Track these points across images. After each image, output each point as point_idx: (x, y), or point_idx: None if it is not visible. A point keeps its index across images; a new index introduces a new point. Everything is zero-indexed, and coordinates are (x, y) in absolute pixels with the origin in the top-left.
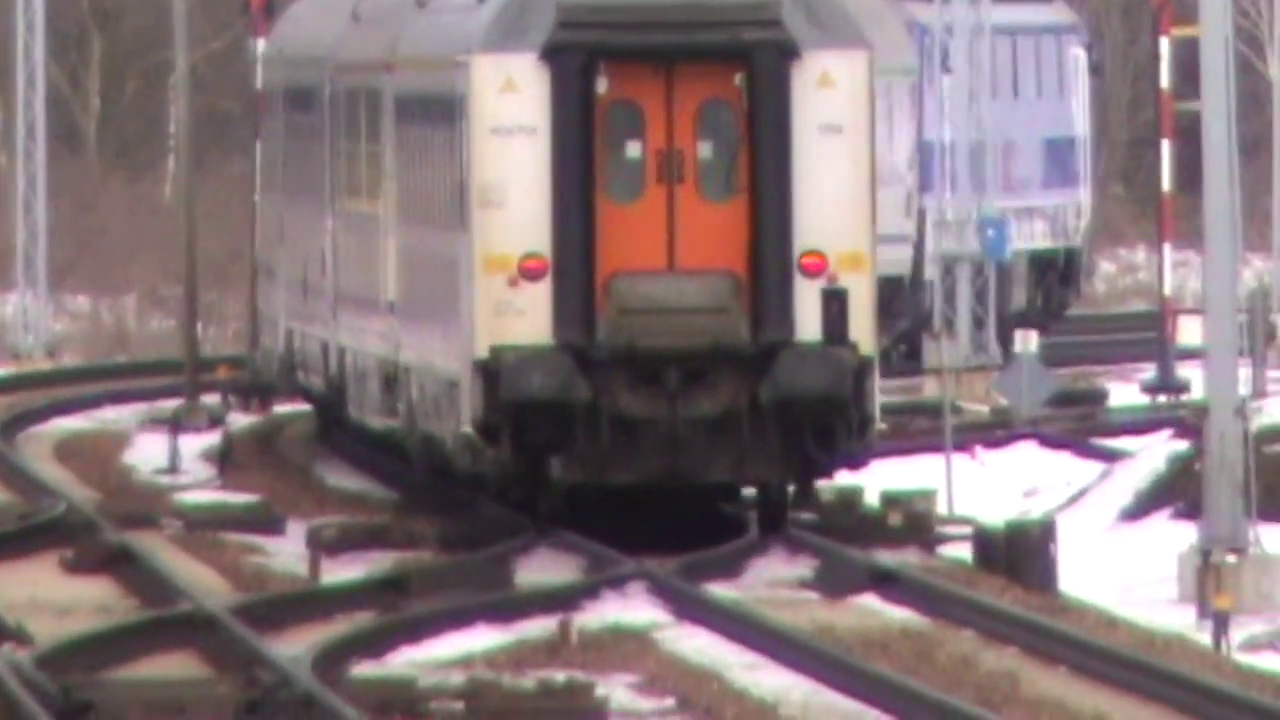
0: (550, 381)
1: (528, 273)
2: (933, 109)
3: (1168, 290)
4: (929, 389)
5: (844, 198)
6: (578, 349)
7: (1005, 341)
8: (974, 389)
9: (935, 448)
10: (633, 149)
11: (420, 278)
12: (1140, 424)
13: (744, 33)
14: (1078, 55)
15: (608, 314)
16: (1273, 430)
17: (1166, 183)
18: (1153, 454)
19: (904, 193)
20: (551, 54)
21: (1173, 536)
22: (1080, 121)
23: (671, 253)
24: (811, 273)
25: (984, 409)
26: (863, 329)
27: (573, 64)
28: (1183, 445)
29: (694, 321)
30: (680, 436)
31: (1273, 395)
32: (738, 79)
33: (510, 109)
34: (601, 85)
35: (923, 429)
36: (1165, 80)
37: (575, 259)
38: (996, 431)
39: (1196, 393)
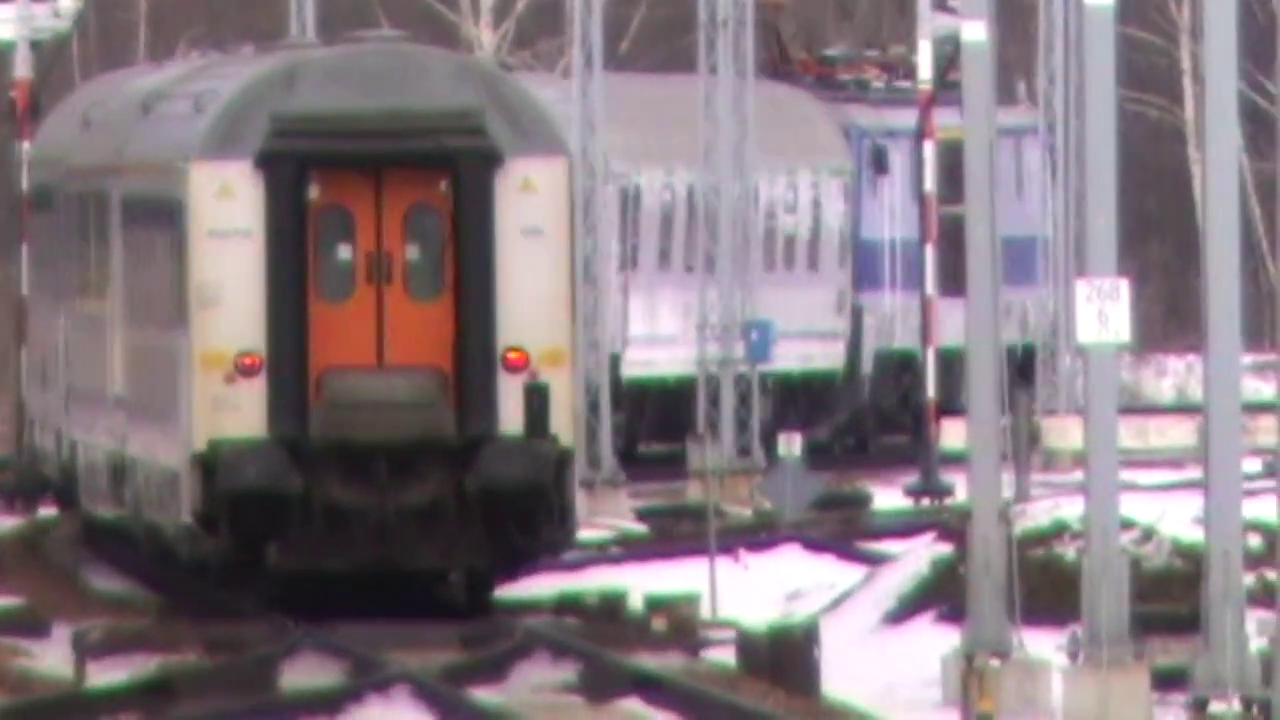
0: (264, 473)
1: (243, 369)
2: (871, 209)
3: (931, 393)
4: (693, 492)
5: (544, 297)
6: (291, 442)
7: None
8: (738, 492)
9: (699, 551)
10: (343, 251)
11: (144, 374)
12: (904, 527)
13: (449, 140)
14: (1039, 157)
15: (320, 408)
16: (1036, 534)
17: (930, 286)
18: (916, 557)
19: (835, 290)
20: (265, 162)
21: (936, 640)
22: (1042, 221)
23: (381, 350)
24: (514, 368)
25: (748, 512)
26: (563, 422)
27: (285, 171)
28: (946, 549)
29: (402, 415)
30: (390, 525)
31: (1036, 499)
32: (443, 185)
33: (227, 213)
34: (313, 191)
35: (686, 532)
36: (930, 184)
37: (288, 356)
38: (760, 534)
39: (960, 496)
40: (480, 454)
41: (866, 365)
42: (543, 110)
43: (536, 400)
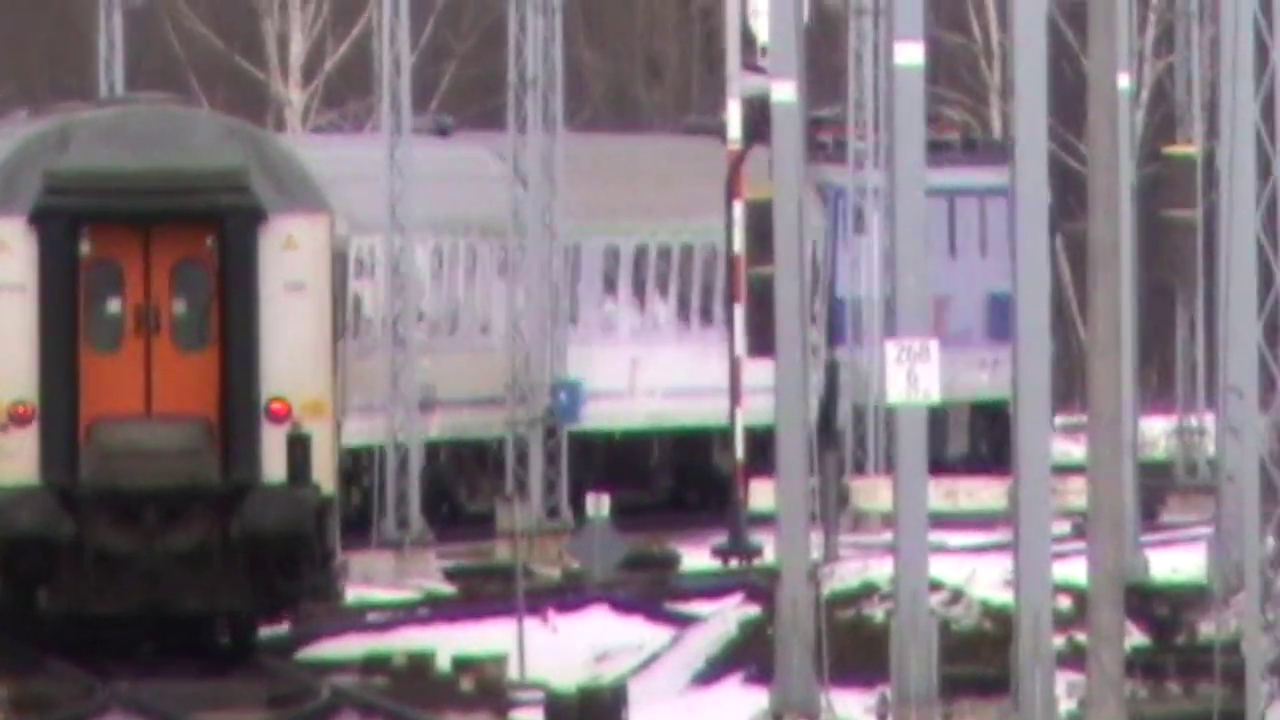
0: (36, 519)
1: (16, 418)
2: (846, 267)
3: (740, 455)
4: (500, 552)
5: (307, 349)
6: (62, 488)
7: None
8: (546, 552)
9: (507, 611)
10: (113, 304)
11: None
12: (712, 588)
13: (216, 199)
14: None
15: (90, 456)
16: (844, 595)
17: (740, 347)
18: (725, 618)
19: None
20: (38, 218)
21: (745, 701)
22: None
23: (149, 399)
24: (277, 418)
25: (556, 572)
26: (324, 471)
27: (57, 227)
28: (755, 609)
29: (169, 463)
30: (157, 569)
31: (845, 560)
32: (209, 241)
33: (1, 268)
34: (85, 246)
35: (494, 592)
36: (738, 244)
37: (60, 405)
38: (568, 595)
39: (769, 556)
40: (244, 501)
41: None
42: (305, 170)
43: (299, 449)
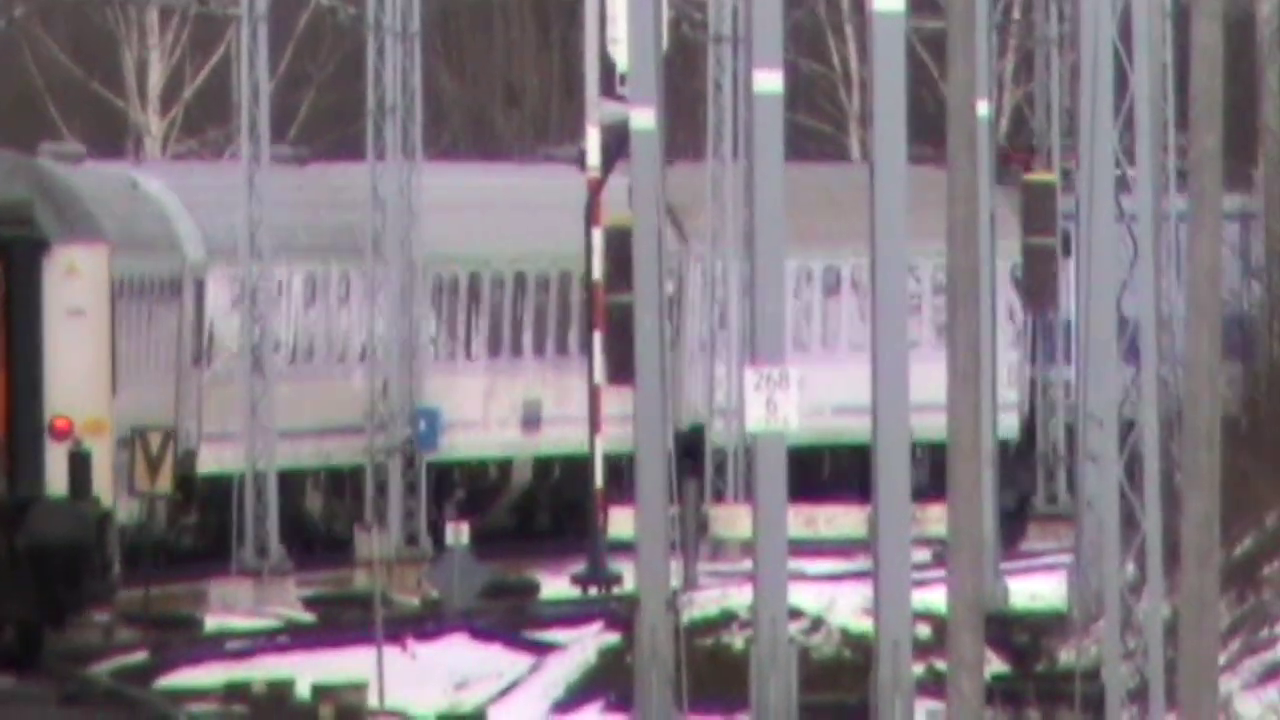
0: None
1: None
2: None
3: (599, 482)
4: (360, 580)
5: (88, 371)
6: None
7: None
8: (405, 580)
9: (366, 639)
10: None
11: None
12: (572, 615)
13: (1, 230)
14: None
15: None
16: (704, 622)
17: (599, 375)
18: (584, 645)
19: (1003, 363)
20: None
21: None
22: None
23: None
24: (60, 436)
25: (415, 600)
26: (104, 485)
27: None
28: (614, 637)
29: None
30: None
31: (705, 588)
32: None
33: None
34: None
35: (354, 620)
36: (598, 271)
37: None
38: (427, 623)
39: (628, 585)
40: (28, 514)
41: None
42: (86, 202)
43: (79, 465)
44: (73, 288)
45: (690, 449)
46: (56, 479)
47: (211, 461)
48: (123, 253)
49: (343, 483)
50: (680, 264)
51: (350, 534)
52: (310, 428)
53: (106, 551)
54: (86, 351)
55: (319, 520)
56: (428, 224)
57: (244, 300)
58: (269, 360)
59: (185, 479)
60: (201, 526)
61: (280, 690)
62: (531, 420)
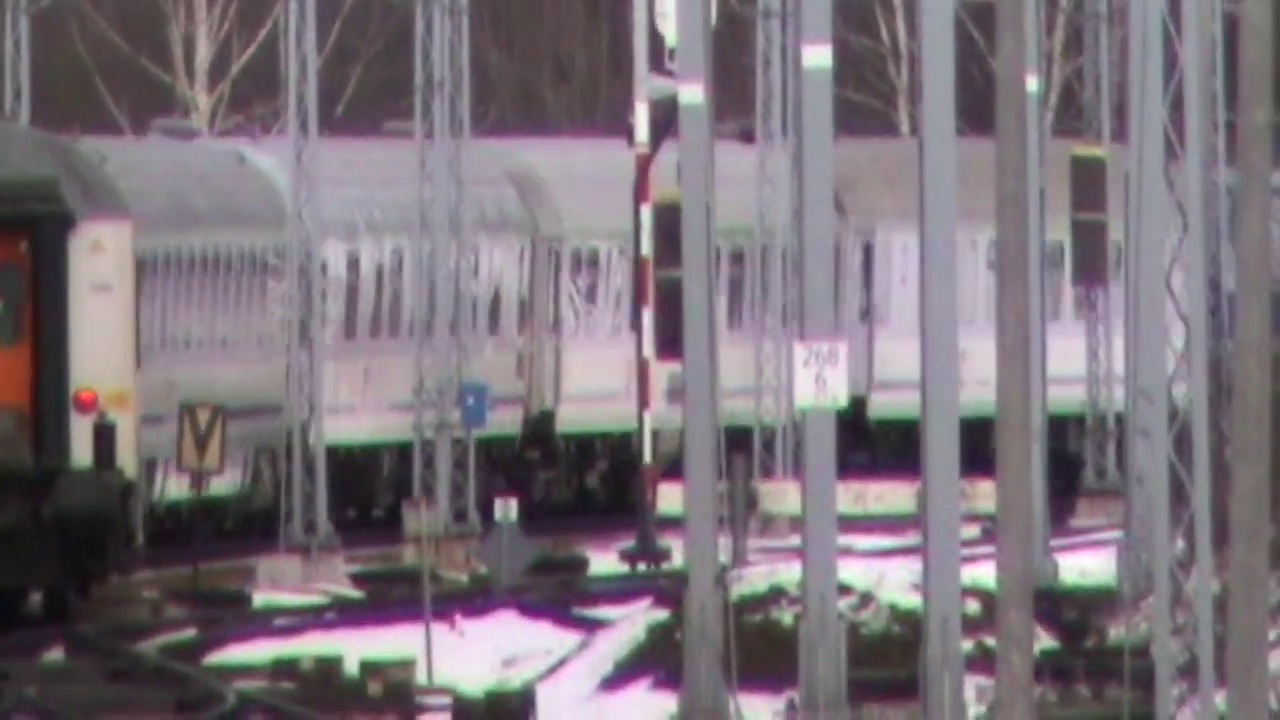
0: None
1: None
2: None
3: (648, 458)
4: (408, 556)
5: (112, 345)
6: None
7: None
8: (453, 556)
9: (414, 616)
10: None
11: None
12: (620, 592)
13: (27, 206)
14: None
15: None
16: (753, 598)
17: (647, 348)
18: (633, 622)
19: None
20: None
21: (653, 705)
22: None
23: None
24: (85, 408)
25: (463, 576)
26: (127, 456)
27: None
28: (663, 613)
29: None
30: None
31: (753, 564)
32: (24, 245)
33: None
34: None
35: (402, 596)
36: (645, 247)
37: None
38: (476, 600)
39: (677, 561)
40: (55, 484)
41: None
42: (109, 179)
43: (104, 437)
44: (98, 263)
45: (854, 421)
46: (82, 450)
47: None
48: (223, 227)
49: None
50: (840, 239)
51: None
52: (402, 401)
53: (131, 521)
54: (111, 326)
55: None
56: (564, 199)
57: (296, 277)
58: (319, 335)
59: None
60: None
61: (328, 667)
62: (678, 392)
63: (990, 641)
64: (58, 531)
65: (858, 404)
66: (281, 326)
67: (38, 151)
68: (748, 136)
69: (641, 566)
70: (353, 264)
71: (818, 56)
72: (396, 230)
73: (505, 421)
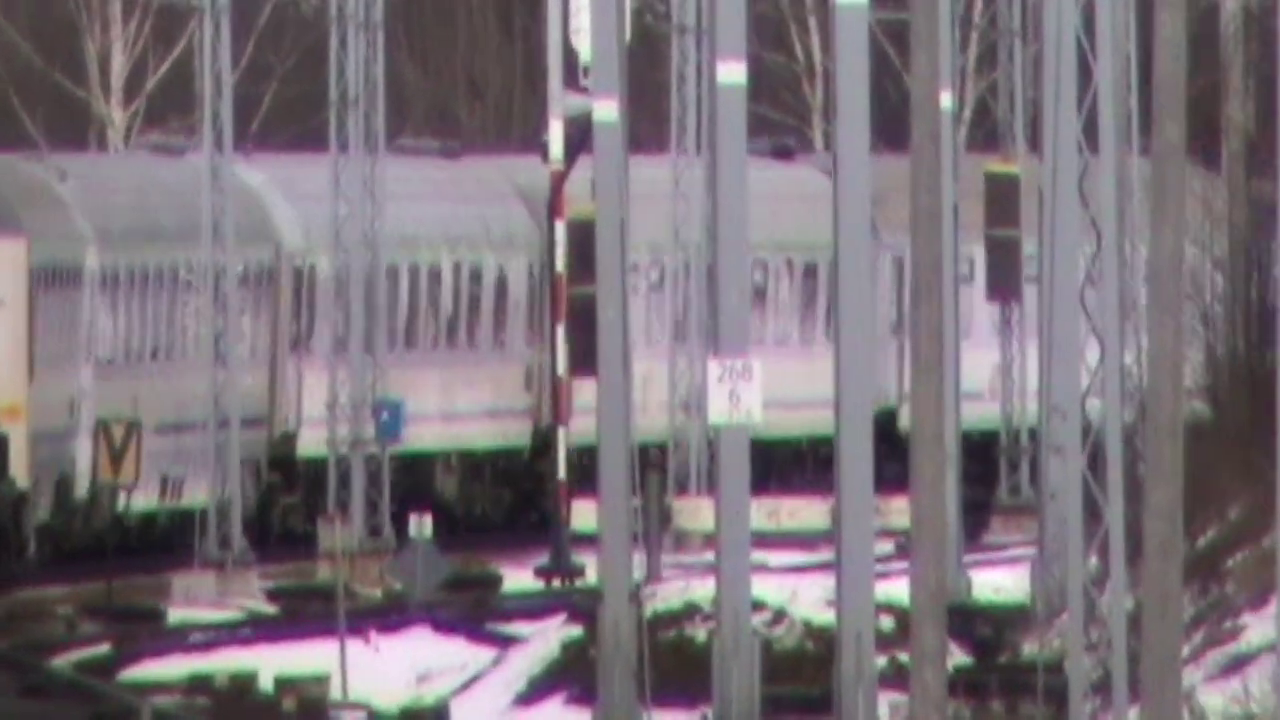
0: None
1: None
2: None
3: (561, 473)
4: (322, 572)
5: (4, 359)
6: None
7: None
8: (368, 572)
9: (329, 631)
10: None
11: None
12: (534, 608)
13: None
14: None
15: None
16: (667, 615)
17: (560, 366)
18: (547, 638)
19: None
20: None
21: None
22: None
23: None
24: None
25: (377, 592)
26: (19, 467)
27: None
28: (577, 629)
29: None
30: None
31: (668, 580)
32: None
33: None
34: None
35: (316, 612)
36: (560, 264)
37: None
38: (390, 615)
39: (591, 577)
40: None
41: None
42: (6, 196)
43: None
44: None
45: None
46: None
47: (311, 444)
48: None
49: (481, 467)
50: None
51: (488, 517)
52: (440, 411)
53: (23, 531)
54: (3, 340)
55: (454, 504)
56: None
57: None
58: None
59: (286, 461)
60: (305, 507)
61: (243, 683)
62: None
63: (904, 657)
64: None
65: (889, 416)
66: (197, 341)
67: None
68: (782, 154)
69: (556, 583)
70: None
71: (733, 73)
72: (481, 244)
73: (511, 434)
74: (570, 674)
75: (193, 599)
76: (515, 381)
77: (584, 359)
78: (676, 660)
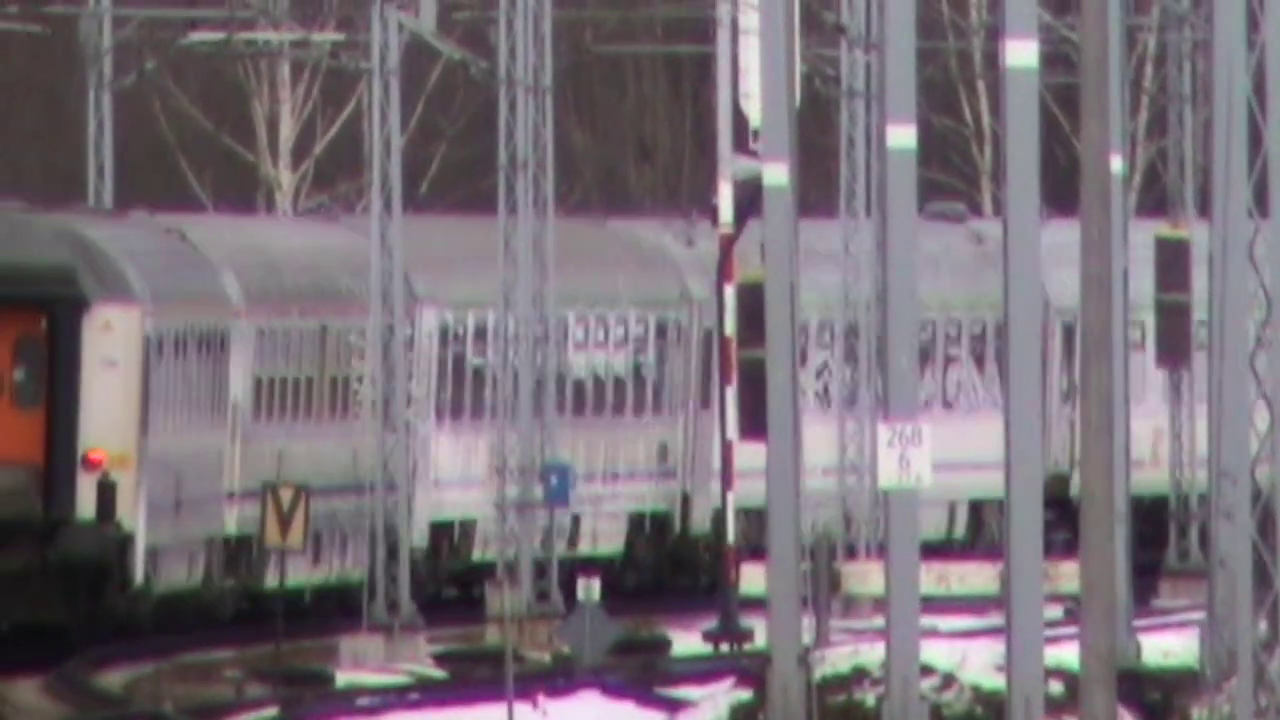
0: None
1: None
2: None
3: (730, 537)
4: (491, 636)
5: (117, 413)
6: None
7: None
8: (536, 636)
9: (497, 695)
10: None
11: None
12: (703, 672)
13: (48, 289)
14: None
15: None
16: (835, 679)
17: (731, 430)
18: (715, 702)
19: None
20: None
21: None
22: None
23: None
24: (91, 467)
25: (546, 656)
26: (127, 511)
27: None
28: (746, 693)
29: (2, 500)
30: None
31: (836, 644)
32: (43, 322)
33: None
34: None
35: (484, 676)
36: (730, 327)
37: None
38: (559, 679)
39: (760, 641)
40: (60, 533)
41: None
42: (122, 266)
43: (106, 493)
44: (107, 342)
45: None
46: (86, 504)
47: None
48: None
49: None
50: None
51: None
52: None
53: (128, 570)
54: (117, 396)
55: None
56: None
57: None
58: (403, 413)
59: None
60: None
61: None
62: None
63: None
64: (61, 575)
65: (1060, 481)
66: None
67: (58, 241)
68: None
69: (724, 647)
70: (444, 339)
71: (902, 136)
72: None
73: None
74: None
75: (360, 662)
76: (670, 445)
77: (753, 422)
78: None
